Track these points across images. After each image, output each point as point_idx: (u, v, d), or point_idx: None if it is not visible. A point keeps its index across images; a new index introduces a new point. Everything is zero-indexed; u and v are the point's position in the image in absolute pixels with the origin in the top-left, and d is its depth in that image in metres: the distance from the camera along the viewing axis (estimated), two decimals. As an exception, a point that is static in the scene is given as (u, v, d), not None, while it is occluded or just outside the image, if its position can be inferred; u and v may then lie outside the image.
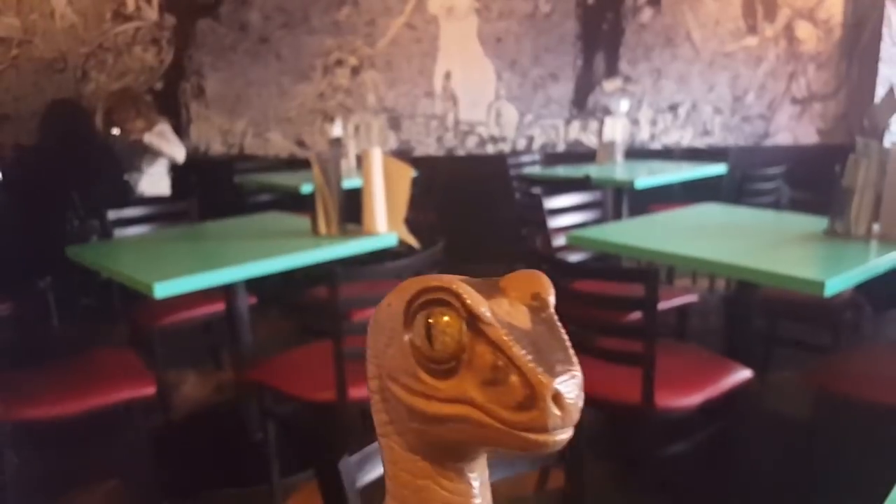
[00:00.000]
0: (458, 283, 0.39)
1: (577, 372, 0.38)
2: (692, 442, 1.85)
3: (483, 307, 0.39)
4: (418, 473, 0.43)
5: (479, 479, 0.44)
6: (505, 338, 0.38)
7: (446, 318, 0.39)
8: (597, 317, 1.97)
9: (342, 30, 4.57)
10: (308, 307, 2.72)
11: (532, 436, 0.37)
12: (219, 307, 2.59)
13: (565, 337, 0.40)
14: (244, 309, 2.36)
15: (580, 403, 0.38)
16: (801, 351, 2.67)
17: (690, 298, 2.57)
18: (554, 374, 0.37)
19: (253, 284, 2.32)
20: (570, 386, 0.37)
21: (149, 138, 3.90)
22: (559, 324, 0.41)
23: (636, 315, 1.88)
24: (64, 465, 2.36)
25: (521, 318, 0.40)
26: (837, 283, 1.67)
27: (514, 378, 0.37)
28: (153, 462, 2.09)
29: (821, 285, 1.62)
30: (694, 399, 1.76)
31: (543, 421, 0.37)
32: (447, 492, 0.43)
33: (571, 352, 0.40)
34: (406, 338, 0.40)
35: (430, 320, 0.39)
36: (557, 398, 0.37)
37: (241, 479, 2.25)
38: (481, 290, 0.40)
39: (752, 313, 2.23)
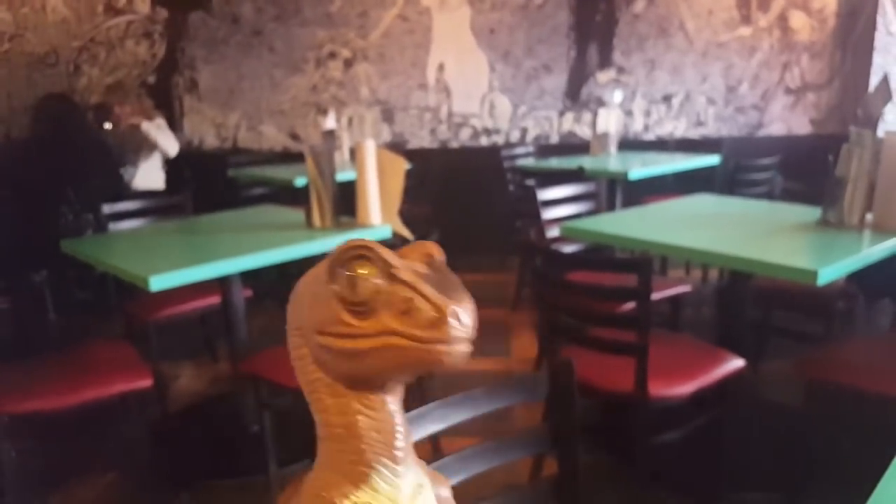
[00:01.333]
0: (373, 242, 0.49)
1: (469, 301, 0.49)
2: (685, 431, 1.87)
3: (394, 258, 0.49)
4: (348, 411, 0.52)
5: (396, 406, 0.54)
6: (413, 277, 0.49)
7: (366, 268, 0.49)
8: (591, 307, 1.98)
9: (335, 22, 4.56)
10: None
11: (442, 347, 0.47)
12: (214, 300, 2.59)
13: (457, 279, 0.51)
14: (239, 301, 2.36)
15: (473, 323, 0.48)
16: (793, 340, 2.69)
17: (684, 289, 2.58)
18: (452, 300, 0.48)
19: (248, 278, 2.32)
20: (465, 308, 0.48)
21: (146, 126, 3.89)
22: (449, 270, 0.52)
23: (630, 305, 1.89)
24: (61, 457, 2.36)
25: (421, 268, 0.51)
26: (830, 273, 1.67)
27: (423, 305, 0.47)
28: (150, 454, 2.10)
29: (814, 274, 1.63)
30: (687, 388, 1.77)
31: (450, 333, 0.47)
32: (375, 420, 0.53)
33: (462, 287, 0.50)
34: (331, 289, 0.49)
35: (353, 272, 0.49)
36: (456, 316, 0.47)
37: (238, 471, 2.26)
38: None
39: (746, 303, 2.24)
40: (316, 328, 0.51)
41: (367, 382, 0.52)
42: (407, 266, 0.50)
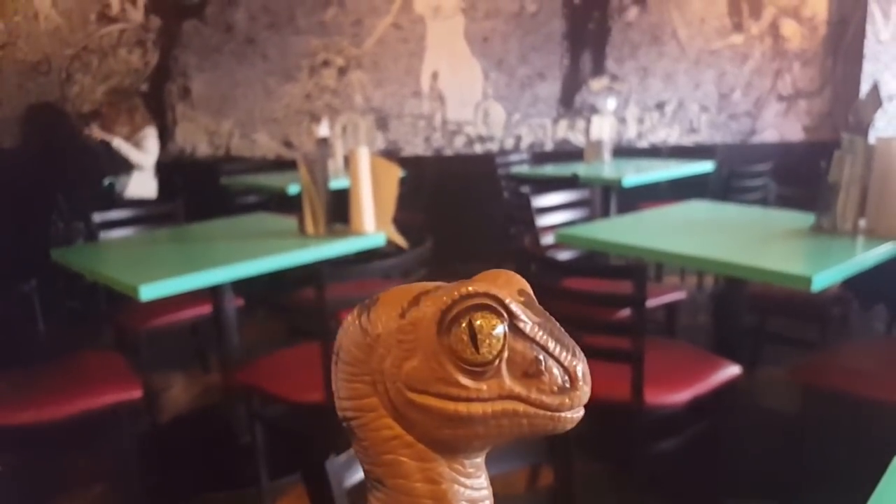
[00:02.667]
0: (495, 288, 0.42)
1: (581, 351, 0.44)
2: (681, 438, 1.86)
3: (518, 308, 0.43)
4: (439, 479, 0.44)
5: (485, 470, 0.47)
6: (540, 333, 0.42)
7: (491, 322, 0.42)
8: (586, 315, 1.97)
9: (328, 30, 4.55)
10: (295, 308, 2.71)
11: (568, 414, 0.42)
12: (205, 309, 2.57)
13: (557, 324, 0.44)
14: (231, 311, 2.34)
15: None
16: (789, 347, 2.69)
17: (679, 296, 2.58)
18: (577, 357, 0.42)
19: (240, 286, 2.30)
20: (585, 363, 0.43)
21: (117, 143, 3.86)
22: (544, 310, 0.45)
23: (625, 312, 1.88)
24: (50, 469, 2.33)
25: (529, 314, 0.44)
26: (825, 278, 1.67)
27: (553, 367, 0.42)
28: (140, 466, 2.07)
29: (808, 280, 1.63)
30: (683, 396, 1.76)
31: (580, 399, 0.42)
32: (470, 489, 0.45)
33: (566, 334, 0.44)
34: (442, 345, 0.42)
35: (477, 323, 0.41)
36: (584, 376, 0.42)
37: (230, 483, 2.23)
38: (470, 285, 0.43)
39: (740, 310, 2.24)
40: (409, 384, 0.43)
41: (464, 448, 0.45)
42: (529, 317, 0.43)
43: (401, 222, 2.44)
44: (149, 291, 1.78)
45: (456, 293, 0.41)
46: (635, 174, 3.43)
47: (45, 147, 3.74)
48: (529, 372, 0.41)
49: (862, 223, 2.03)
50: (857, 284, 2.36)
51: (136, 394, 1.92)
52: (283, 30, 4.57)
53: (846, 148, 2.02)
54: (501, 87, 4.63)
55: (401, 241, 2.38)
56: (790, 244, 2.06)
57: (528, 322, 0.42)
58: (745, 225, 2.34)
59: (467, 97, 4.64)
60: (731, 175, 3.44)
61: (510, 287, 0.45)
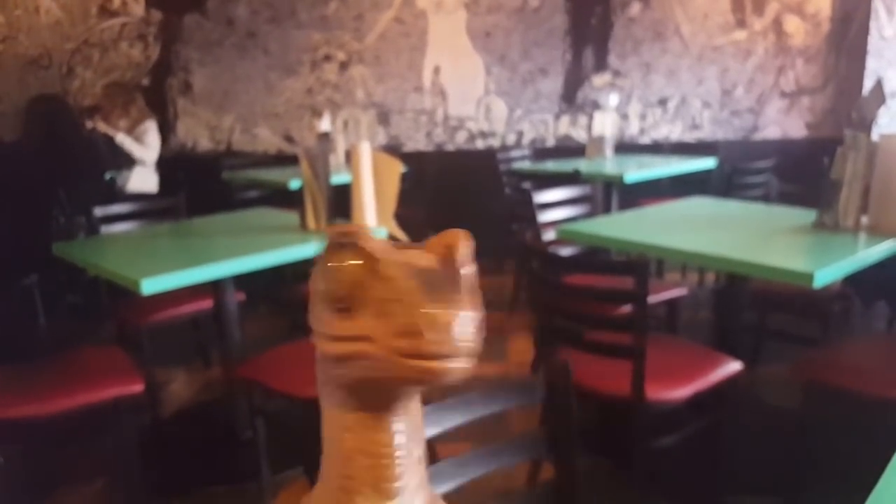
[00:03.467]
0: (358, 227, 0.41)
1: (467, 308, 0.39)
2: (682, 434, 1.86)
3: (378, 247, 0.41)
4: (339, 426, 0.44)
5: (403, 427, 0.44)
6: (399, 273, 0.39)
7: (347, 259, 0.41)
8: (587, 310, 1.96)
9: (330, 24, 4.54)
10: (297, 303, 2.70)
11: (414, 362, 0.38)
12: (207, 304, 2.57)
13: (464, 279, 0.41)
14: (232, 305, 2.34)
15: (467, 336, 0.39)
16: (790, 343, 2.69)
17: (680, 292, 2.58)
18: (435, 301, 0.38)
19: (241, 281, 2.30)
20: (454, 315, 0.38)
21: (120, 138, 3.86)
22: (461, 270, 0.42)
23: (626, 308, 1.88)
24: (51, 463, 2.34)
25: (425, 261, 0.41)
26: (826, 275, 1.67)
27: (398, 306, 0.38)
28: (141, 460, 2.07)
29: (810, 277, 1.62)
30: (684, 392, 1.76)
31: (426, 347, 0.38)
32: (364, 441, 0.44)
33: (465, 291, 0.40)
34: (317, 281, 0.42)
35: (333, 261, 0.41)
36: (439, 323, 0.38)
37: (231, 477, 2.24)
38: (399, 245, 0.43)
39: (742, 306, 2.24)
40: (313, 325, 0.43)
41: (359, 394, 0.43)
42: (401, 257, 0.41)
43: (402, 218, 2.44)
44: (150, 285, 1.78)
45: (329, 234, 0.42)
46: (637, 170, 3.43)
47: (45, 141, 3.73)
48: (379, 311, 0.39)
49: (864, 220, 2.03)
50: (859, 281, 2.35)
51: (138, 388, 1.92)
52: (285, 24, 4.56)
53: (849, 144, 2.02)
54: (503, 82, 4.62)
55: (402, 236, 2.38)
56: (792, 241, 2.05)
57: (386, 262, 0.40)
58: (746, 221, 2.34)
59: (469, 92, 4.63)
60: (734, 172, 3.43)
61: (438, 243, 0.43)
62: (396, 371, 0.39)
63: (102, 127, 3.87)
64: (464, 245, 0.43)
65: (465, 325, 0.39)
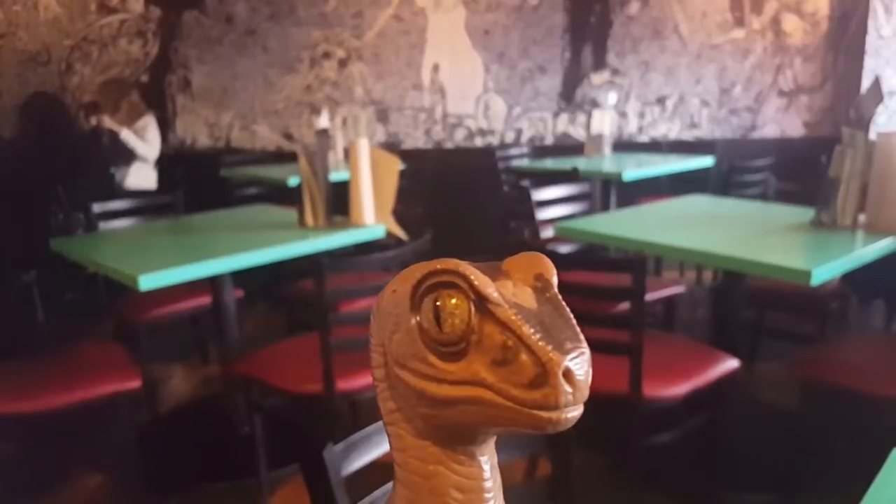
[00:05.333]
0: (465, 266, 0.39)
1: (585, 349, 0.39)
2: (679, 431, 1.86)
3: (490, 288, 0.39)
4: (428, 459, 0.43)
5: (489, 462, 0.44)
6: (513, 317, 0.38)
7: (454, 300, 0.39)
8: (585, 308, 1.97)
9: (329, 21, 4.54)
10: (295, 300, 2.71)
11: (544, 413, 0.37)
12: (205, 300, 2.57)
13: (571, 316, 0.41)
14: (231, 302, 2.34)
15: (589, 380, 0.38)
16: (787, 341, 2.69)
17: (678, 290, 2.58)
18: (563, 352, 0.37)
19: (240, 278, 2.30)
20: (579, 362, 0.38)
21: (125, 135, 3.86)
22: (563, 303, 0.41)
23: (624, 306, 1.88)
24: (49, 459, 2.34)
25: (527, 298, 0.40)
26: (824, 273, 1.67)
27: (524, 356, 0.37)
28: (139, 456, 2.08)
29: (807, 274, 1.63)
30: (681, 389, 1.76)
31: (555, 398, 0.37)
32: (459, 476, 0.42)
33: (578, 330, 0.40)
34: (413, 322, 0.40)
35: (438, 303, 0.39)
36: (568, 375, 0.37)
37: (229, 473, 2.24)
38: (486, 272, 0.41)
39: (739, 304, 2.24)
40: (395, 358, 0.42)
41: (449, 431, 0.42)
42: (507, 297, 0.40)
43: (400, 215, 2.44)
44: (148, 281, 1.78)
45: (427, 269, 0.40)
46: (635, 168, 3.43)
47: (43, 136, 3.73)
48: (497, 359, 0.38)
49: (862, 218, 2.03)
50: (856, 279, 2.36)
51: (136, 384, 1.93)
52: (284, 21, 4.56)
53: (847, 143, 2.02)
54: (502, 80, 4.62)
55: (400, 233, 2.38)
56: (790, 238, 2.05)
57: (500, 304, 0.39)
58: (744, 219, 2.34)
59: (468, 90, 4.63)
60: (731, 170, 3.43)
61: (527, 270, 0.42)
62: (517, 420, 0.38)
63: (108, 123, 3.86)
64: (553, 272, 0.43)
65: (586, 370, 0.38)
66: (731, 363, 1.88)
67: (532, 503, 1.13)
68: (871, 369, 1.93)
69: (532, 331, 0.38)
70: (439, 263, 0.40)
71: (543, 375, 0.37)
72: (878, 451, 0.89)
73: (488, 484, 0.43)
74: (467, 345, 0.39)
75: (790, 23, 4.45)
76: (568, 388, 0.37)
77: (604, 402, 1.74)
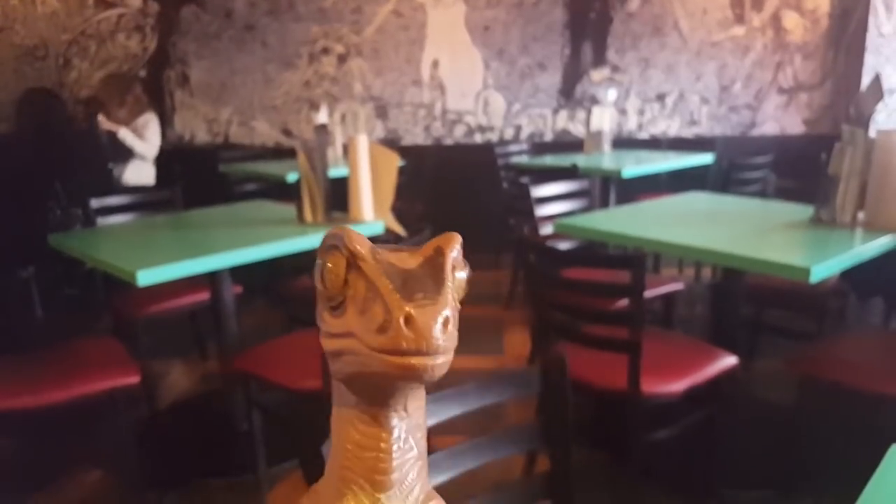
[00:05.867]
0: (346, 229, 0.43)
1: (442, 304, 0.41)
2: (678, 428, 1.86)
3: (360, 246, 0.43)
4: (341, 419, 0.46)
5: (400, 425, 0.46)
6: (374, 270, 0.42)
7: (335, 259, 0.43)
8: (584, 304, 1.97)
9: (328, 17, 4.53)
10: (293, 296, 2.71)
11: (391, 358, 0.40)
12: (204, 296, 2.57)
13: (446, 278, 0.43)
14: (229, 298, 2.34)
15: (438, 331, 0.40)
16: (785, 338, 2.70)
17: (677, 286, 2.58)
18: (410, 300, 0.40)
19: (238, 274, 2.30)
20: (426, 312, 0.40)
21: (123, 134, 3.85)
22: (447, 270, 0.44)
23: (623, 302, 1.88)
24: (47, 454, 2.34)
25: (409, 262, 0.43)
26: (823, 270, 1.67)
27: (376, 305, 0.41)
28: (138, 452, 2.08)
29: (806, 271, 1.63)
30: (679, 385, 1.76)
31: (398, 342, 0.40)
32: (363, 435, 0.45)
33: (445, 289, 0.42)
34: (315, 280, 0.44)
35: (323, 262, 0.43)
36: (409, 320, 0.39)
37: (227, 469, 2.24)
38: (390, 248, 0.45)
39: (738, 301, 2.24)
40: (318, 322, 0.46)
41: (357, 390, 0.45)
42: (385, 258, 0.43)
43: (400, 211, 2.44)
44: (146, 277, 1.77)
45: (325, 236, 0.45)
46: (635, 165, 3.43)
47: (40, 132, 3.72)
48: (360, 309, 0.42)
49: (861, 216, 2.03)
50: (855, 277, 2.36)
51: (134, 379, 1.92)
52: (283, 16, 4.55)
53: (847, 140, 2.02)
54: (502, 76, 4.61)
55: (399, 229, 2.38)
56: (789, 236, 2.06)
57: (367, 261, 0.42)
58: (743, 216, 2.34)
59: (467, 86, 4.62)
60: (731, 167, 3.43)
61: (430, 245, 0.45)
62: (376, 366, 0.41)
63: (106, 125, 3.85)
64: (452, 247, 0.46)
65: (429, 318, 0.40)
66: (730, 360, 1.88)
67: (530, 499, 1.13)
68: (869, 367, 1.93)
69: (387, 282, 0.41)
70: (331, 229, 0.44)
71: (388, 321, 0.40)
72: (876, 447, 0.89)
73: (392, 448, 0.46)
74: (345, 299, 0.43)
75: (790, 20, 4.44)
76: (408, 333, 0.39)
77: (603, 398, 1.74)
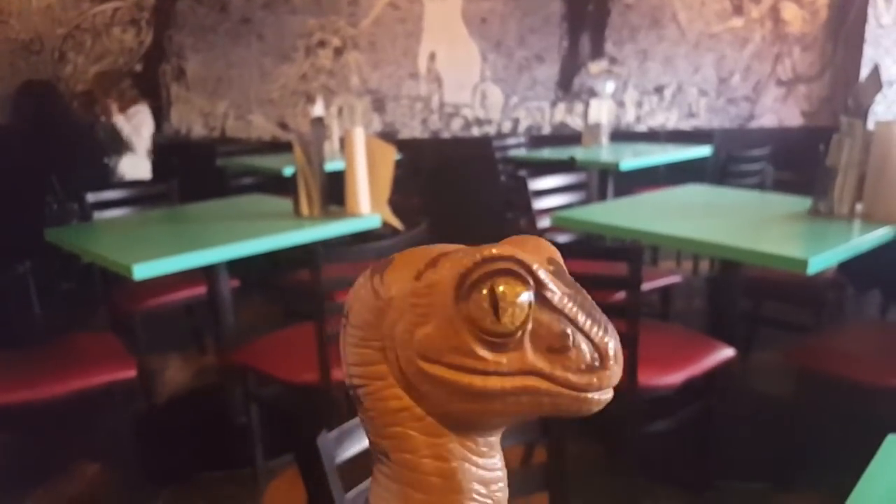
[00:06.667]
0: (521, 252, 0.38)
1: (614, 328, 0.40)
2: (675, 420, 1.87)
3: (546, 276, 0.38)
4: (449, 457, 0.41)
5: (500, 450, 0.43)
6: (570, 304, 0.38)
7: (516, 289, 0.37)
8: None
9: (324, 9, 4.51)
10: (290, 289, 2.70)
11: (596, 395, 0.38)
12: (201, 290, 2.56)
13: (590, 298, 0.41)
14: (226, 291, 2.33)
15: (622, 360, 0.40)
16: (783, 330, 2.70)
17: (674, 279, 2.58)
18: (609, 334, 0.38)
19: (236, 268, 2.29)
20: (618, 342, 0.39)
21: (121, 123, 3.83)
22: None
23: (620, 295, 1.88)
24: (45, 449, 2.34)
25: (559, 284, 0.40)
26: (820, 262, 1.67)
27: (581, 343, 0.38)
28: (136, 446, 2.08)
29: (804, 263, 1.63)
30: (677, 378, 1.77)
31: (609, 379, 0.38)
32: (482, 469, 0.41)
33: (598, 309, 0.40)
34: (460, 312, 0.38)
35: (498, 291, 0.37)
36: (616, 356, 0.38)
37: (225, 462, 2.24)
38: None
39: (736, 293, 2.24)
40: (422, 352, 0.39)
41: (477, 425, 0.41)
42: (558, 286, 0.39)
43: (397, 204, 2.43)
44: (143, 271, 1.77)
45: (478, 255, 0.37)
46: (633, 158, 3.42)
47: (36, 126, 3.71)
48: (555, 346, 0.38)
49: (859, 207, 2.03)
50: (853, 269, 2.36)
51: (131, 373, 1.92)
52: (279, 9, 4.52)
53: (845, 131, 2.02)
54: (499, 69, 4.59)
55: (396, 222, 2.38)
56: (787, 228, 2.05)
57: (556, 292, 0.38)
58: (742, 209, 2.34)
59: (465, 79, 4.61)
60: (729, 159, 3.43)
61: (539, 254, 0.41)
62: (569, 406, 0.38)
63: (105, 112, 3.83)
64: (559, 255, 0.43)
65: (621, 349, 0.39)
66: (727, 352, 1.88)
67: (528, 490, 1.13)
68: (866, 359, 1.93)
69: (584, 317, 0.38)
70: (489, 249, 0.38)
71: (600, 360, 0.38)
72: (872, 439, 0.90)
73: (503, 473, 0.43)
74: (522, 334, 0.38)
75: (789, 11, 4.43)
76: (617, 369, 0.38)
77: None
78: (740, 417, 2.23)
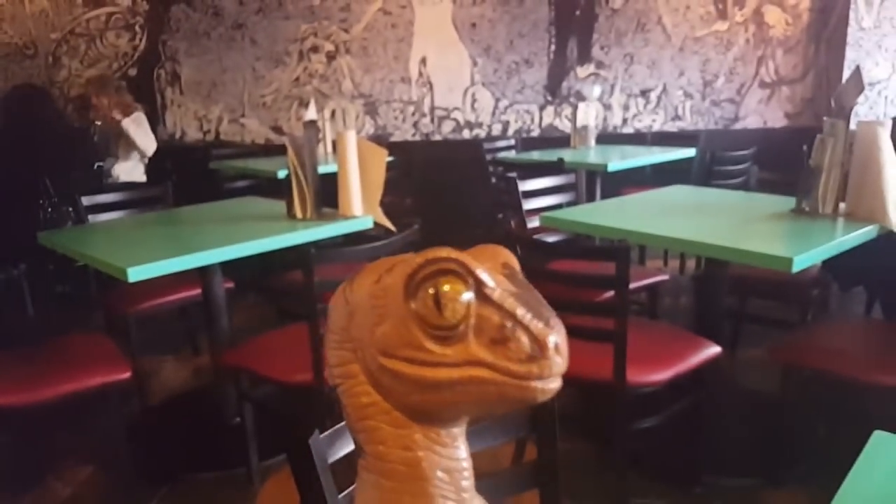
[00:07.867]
0: (460, 253, 0.42)
1: (561, 324, 0.43)
2: (663, 417, 1.89)
3: (486, 274, 0.42)
4: (413, 446, 0.44)
5: (464, 441, 0.47)
6: (509, 299, 0.42)
7: (455, 286, 0.41)
8: (570, 296, 1.99)
9: (317, 15, 4.54)
10: (284, 291, 2.72)
11: (538, 384, 0.41)
12: (195, 292, 2.57)
13: (540, 296, 0.44)
14: (220, 293, 2.35)
15: (566, 353, 0.42)
16: (769, 327, 2.73)
17: (662, 278, 2.62)
18: (550, 327, 0.41)
19: (229, 269, 2.31)
20: (562, 335, 0.42)
21: (126, 123, 3.85)
22: (531, 285, 0.45)
23: (609, 294, 1.91)
24: (39, 451, 2.34)
25: (505, 283, 0.43)
26: (805, 260, 1.69)
27: (521, 334, 0.40)
28: (130, 447, 2.09)
29: (789, 261, 1.65)
30: (664, 375, 1.79)
31: (549, 368, 0.41)
32: (445, 458, 0.45)
33: (548, 305, 0.44)
34: (409, 309, 0.41)
35: (440, 289, 0.41)
36: (557, 347, 0.41)
37: (219, 463, 2.25)
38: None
39: (722, 291, 2.27)
40: (381, 349, 0.42)
41: (436, 415, 0.44)
42: (498, 283, 0.42)
43: (389, 206, 2.45)
44: (137, 273, 1.78)
45: (422, 258, 0.41)
46: (620, 160, 3.46)
47: (28, 129, 3.71)
48: (496, 338, 0.41)
49: (842, 206, 2.06)
50: (837, 266, 2.39)
51: (126, 375, 1.93)
52: (272, 14, 4.55)
53: (828, 132, 2.05)
54: (489, 73, 4.63)
55: (388, 224, 2.40)
56: (771, 227, 2.08)
57: (496, 289, 0.41)
58: (727, 208, 2.37)
59: (455, 83, 4.64)
60: (714, 160, 3.47)
61: (494, 259, 0.45)
62: (516, 393, 0.40)
63: (107, 111, 3.84)
64: (516, 261, 0.46)
65: (565, 341, 0.42)
66: (714, 349, 1.90)
67: (518, 487, 1.15)
68: (851, 354, 1.96)
69: (523, 310, 0.41)
70: (434, 253, 0.41)
71: (539, 350, 0.40)
72: (859, 434, 0.90)
73: (467, 463, 0.46)
74: (464, 329, 0.41)
75: (772, 15, 4.49)
76: (559, 358, 0.41)
77: (589, 388, 1.77)
78: (727, 413, 2.26)
